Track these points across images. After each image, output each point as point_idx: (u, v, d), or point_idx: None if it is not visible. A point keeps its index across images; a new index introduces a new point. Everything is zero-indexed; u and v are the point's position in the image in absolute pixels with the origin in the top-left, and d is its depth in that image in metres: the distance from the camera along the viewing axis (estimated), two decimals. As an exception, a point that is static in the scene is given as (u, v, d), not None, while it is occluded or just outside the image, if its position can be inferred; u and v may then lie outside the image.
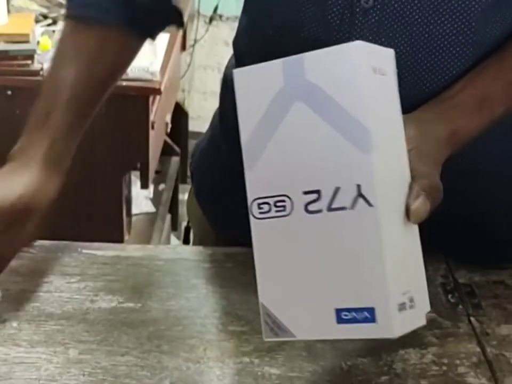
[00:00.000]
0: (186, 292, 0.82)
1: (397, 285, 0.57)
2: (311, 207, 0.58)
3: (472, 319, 0.80)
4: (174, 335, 0.76)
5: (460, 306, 0.81)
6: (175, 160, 2.79)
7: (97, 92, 0.88)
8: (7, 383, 0.69)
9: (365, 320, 0.57)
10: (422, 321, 0.61)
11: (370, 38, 0.75)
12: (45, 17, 2.11)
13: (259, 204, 0.61)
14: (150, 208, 2.50)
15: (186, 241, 1.10)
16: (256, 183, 0.61)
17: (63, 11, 2.17)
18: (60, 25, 2.09)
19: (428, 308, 0.62)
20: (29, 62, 1.82)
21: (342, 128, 0.57)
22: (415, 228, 0.61)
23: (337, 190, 0.57)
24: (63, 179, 0.84)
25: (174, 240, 2.70)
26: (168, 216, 2.62)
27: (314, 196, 0.58)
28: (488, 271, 0.86)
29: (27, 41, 1.85)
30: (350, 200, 0.57)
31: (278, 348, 0.74)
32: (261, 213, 0.61)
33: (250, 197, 0.61)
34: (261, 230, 0.61)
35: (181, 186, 2.88)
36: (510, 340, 0.77)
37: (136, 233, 2.24)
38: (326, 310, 0.59)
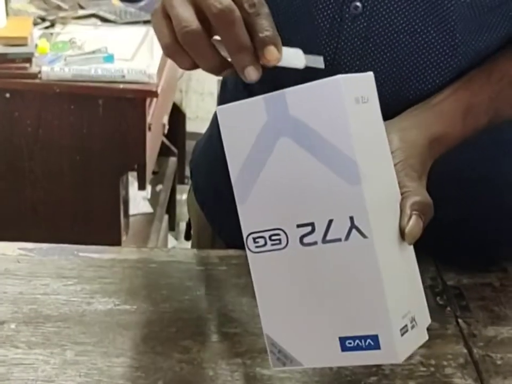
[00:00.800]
0: (180, 294, 0.84)
1: (398, 309, 0.58)
2: (306, 240, 0.59)
3: (459, 320, 0.81)
4: (168, 336, 0.78)
5: (448, 308, 0.83)
6: (173, 160, 2.80)
7: None
8: (5, 384, 0.71)
9: (369, 347, 0.58)
10: (425, 337, 0.62)
11: (359, 43, 0.77)
12: (43, 20, 2.13)
13: (254, 238, 0.61)
14: (148, 208, 2.52)
15: (187, 237, 1.13)
16: (250, 218, 0.61)
17: (61, 14, 2.19)
18: (58, 28, 2.10)
19: (429, 321, 0.63)
20: (27, 65, 1.84)
21: (329, 161, 0.57)
22: (409, 245, 0.62)
23: (330, 222, 0.58)
24: None
25: (171, 240, 2.71)
26: (166, 217, 2.64)
27: (308, 229, 0.59)
28: (476, 273, 0.88)
29: (25, 44, 1.86)
30: (344, 232, 0.57)
31: (270, 349, 0.76)
32: (256, 246, 0.61)
33: (245, 231, 0.62)
34: (258, 263, 0.62)
35: (178, 187, 2.90)
36: (496, 341, 0.79)
37: (133, 234, 2.26)
38: (330, 339, 0.60)
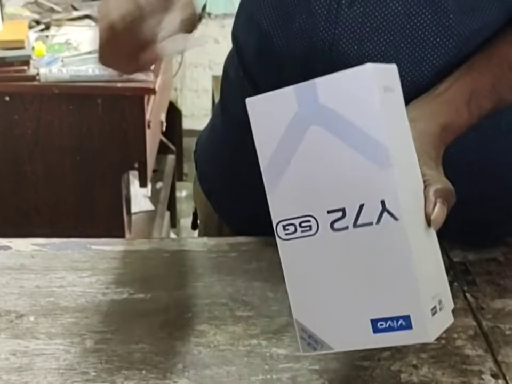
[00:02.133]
0: (193, 281, 0.86)
1: (428, 291, 0.60)
2: (337, 225, 0.61)
3: (467, 295, 0.83)
4: (184, 322, 0.80)
5: (456, 284, 0.85)
6: (171, 158, 2.82)
7: None
8: (29, 373, 0.73)
9: (401, 327, 0.60)
10: (451, 319, 0.64)
11: (356, 28, 0.78)
12: (38, 23, 2.14)
13: (284, 226, 0.63)
14: (149, 206, 2.53)
15: (194, 226, 1.15)
16: (279, 206, 0.63)
17: (55, 16, 2.20)
18: (53, 30, 2.12)
19: (452, 305, 0.65)
20: (25, 67, 1.85)
21: (361, 147, 0.59)
22: (433, 231, 0.65)
23: (361, 206, 0.60)
24: None
25: (173, 237, 2.73)
26: (167, 214, 2.66)
27: (339, 214, 0.60)
28: (481, 249, 0.90)
29: (22, 47, 1.87)
30: (376, 215, 0.59)
31: (284, 329, 0.78)
32: (286, 234, 0.63)
33: (274, 219, 0.63)
34: (288, 250, 0.63)
35: (177, 184, 2.92)
36: (504, 313, 0.81)
37: (137, 231, 2.28)
38: (361, 322, 0.61)
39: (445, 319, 0.63)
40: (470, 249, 0.90)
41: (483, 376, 0.73)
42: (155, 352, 0.75)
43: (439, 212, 0.63)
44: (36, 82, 1.85)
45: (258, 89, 0.89)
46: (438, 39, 0.78)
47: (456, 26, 0.77)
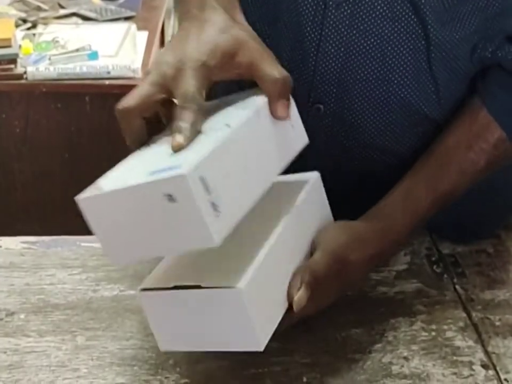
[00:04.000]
0: (184, 277, 0.86)
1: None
2: None
3: (457, 287, 0.84)
4: (175, 317, 0.80)
5: (445, 276, 0.85)
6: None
7: None
8: (20, 371, 0.73)
9: None
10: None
11: (343, 30, 0.78)
12: (24, 21, 2.14)
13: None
14: (139, 204, 2.53)
15: None
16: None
17: (41, 14, 2.19)
18: (40, 29, 2.11)
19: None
20: (12, 66, 1.85)
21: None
22: None
23: None
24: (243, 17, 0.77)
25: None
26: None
27: None
28: (470, 241, 0.90)
29: (9, 46, 1.87)
30: None
31: (275, 324, 0.78)
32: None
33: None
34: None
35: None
36: (493, 304, 0.81)
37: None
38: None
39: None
40: (459, 241, 0.91)
41: (473, 367, 0.73)
42: (146, 348, 0.75)
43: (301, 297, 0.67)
44: (23, 81, 1.84)
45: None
46: (418, 45, 0.78)
47: (434, 38, 0.77)
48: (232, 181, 0.61)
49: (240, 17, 0.75)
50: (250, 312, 0.63)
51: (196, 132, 0.65)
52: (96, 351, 0.75)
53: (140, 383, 0.71)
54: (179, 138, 0.64)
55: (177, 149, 0.64)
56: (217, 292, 0.63)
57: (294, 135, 0.71)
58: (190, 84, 0.67)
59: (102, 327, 0.78)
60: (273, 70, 0.68)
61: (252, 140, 0.65)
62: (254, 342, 0.64)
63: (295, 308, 0.67)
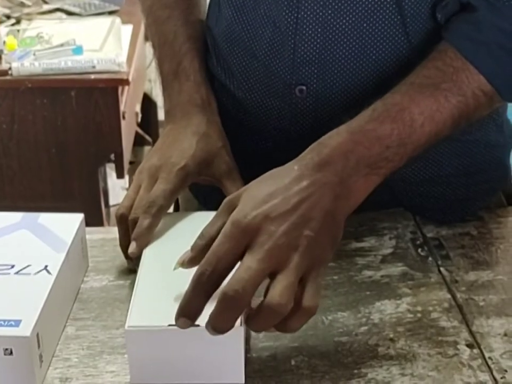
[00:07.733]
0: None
1: None
2: None
3: (441, 269, 0.85)
4: (164, 306, 0.80)
5: (430, 259, 0.86)
6: (148, 149, 2.82)
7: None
8: (11, 362, 0.73)
9: None
10: None
11: (318, 10, 0.80)
12: (8, 17, 2.14)
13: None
14: (127, 198, 2.53)
15: (175, 210, 1.15)
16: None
17: (25, 10, 2.19)
18: (24, 24, 2.11)
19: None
20: (-3, 62, 1.85)
21: None
22: None
23: None
24: (218, 118, 0.90)
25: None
26: (146, 205, 2.65)
27: None
28: (454, 224, 0.92)
29: (-7, 42, 1.87)
30: None
31: (263, 309, 0.79)
32: None
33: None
34: None
35: (155, 175, 2.91)
36: (477, 285, 0.82)
37: (115, 223, 2.28)
38: None
39: None
40: (443, 224, 0.92)
41: (458, 347, 0.74)
42: (136, 336, 0.76)
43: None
44: (8, 77, 1.85)
45: (233, 77, 0.90)
46: (397, 20, 0.79)
47: (409, 9, 0.78)
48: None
49: (217, 118, 0.88)
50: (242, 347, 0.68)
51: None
52: (87, 341, 0.76)
53: (130, 371, 0.72)
54: (131, 248, 0.81)
55: (133, 256, 0.80)
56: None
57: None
58: (159, 189, 0.82)
59: (92, 317, 0.79)
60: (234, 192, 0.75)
61: None
62: (239, 375, 0.69)
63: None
